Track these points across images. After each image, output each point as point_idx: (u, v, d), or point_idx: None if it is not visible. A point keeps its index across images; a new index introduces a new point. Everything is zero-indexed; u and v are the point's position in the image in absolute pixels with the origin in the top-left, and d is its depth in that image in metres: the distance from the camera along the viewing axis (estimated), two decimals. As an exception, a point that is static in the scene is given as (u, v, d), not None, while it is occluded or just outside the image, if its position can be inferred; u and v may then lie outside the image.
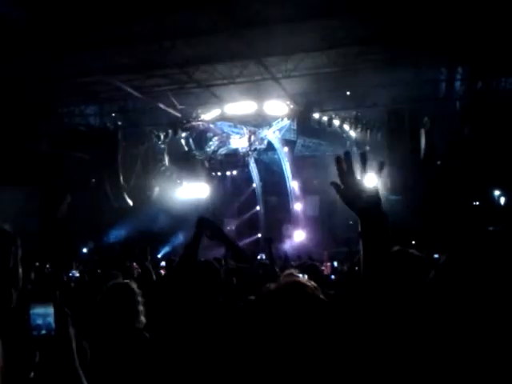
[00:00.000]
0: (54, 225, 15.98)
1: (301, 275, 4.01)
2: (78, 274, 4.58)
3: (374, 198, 1.67)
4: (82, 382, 1.49)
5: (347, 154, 1.74)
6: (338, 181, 1.71)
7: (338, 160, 1.74)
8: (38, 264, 7.05)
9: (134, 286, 2.86)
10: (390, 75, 13.02)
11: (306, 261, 7.31)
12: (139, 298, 2.81)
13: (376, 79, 13.14)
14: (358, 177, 1.69)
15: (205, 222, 3.26)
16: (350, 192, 1.67)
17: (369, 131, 15.04)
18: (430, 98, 14.22)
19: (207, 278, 3.34)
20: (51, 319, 1.53)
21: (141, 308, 2.82)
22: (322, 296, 1.51)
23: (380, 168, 1.77)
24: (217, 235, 3.41)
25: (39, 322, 1.52)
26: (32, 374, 1.38)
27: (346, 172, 1.69)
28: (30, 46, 10.63)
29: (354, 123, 14.97)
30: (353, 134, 15.60)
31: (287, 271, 3.91)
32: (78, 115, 16.45)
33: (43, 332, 1.51)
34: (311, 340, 1.40)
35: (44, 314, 1.53)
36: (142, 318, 2.81)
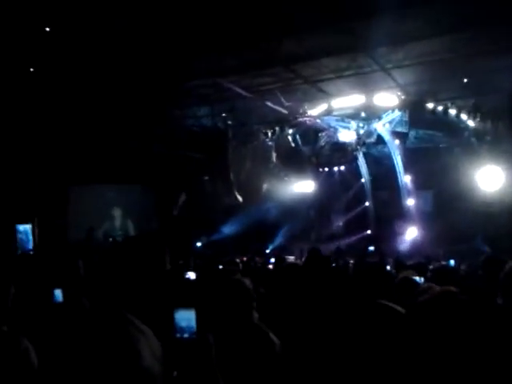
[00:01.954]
0: (171, 222, 17.03)
1: (417, 277, 3.85)
2: (193, 277, 4.80)
3: None
4: None
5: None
6: None
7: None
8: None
9: (248, 281, 2.95)
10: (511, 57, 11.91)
11: (422, 261, 6.99)
12: (252, 294, 2.89)
13: (496, 63, 12.10)
14: None
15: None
16: None
17: (489, 120, 13.93)
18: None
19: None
20: (194, 324, 1.64)
21: (254, 304, 2.89)
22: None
23: None
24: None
25: (183, 325, 1.64)
26: (175, 373, 1.48)
27: None
28: (144, 53, 11.42)
29: (473, 112, 13.94)
30: (471, 123, 14.56)
31: (403, 273, 3.77)
32: (191, 117, 17.29)
33: (186, 335, 1.63)
34: (474, 348, 1.35)
35: (187, 319, 1.65)
36: (255, 314, 2.89)
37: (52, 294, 3.79)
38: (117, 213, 18.35)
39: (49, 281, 4.02)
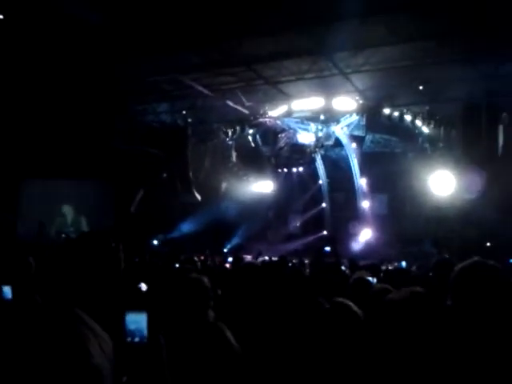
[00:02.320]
0: (128, 219, 16.72)
1: (370, 278, 3.95)
2: (144, 288, 4.70)
3: None
4: None
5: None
6: None
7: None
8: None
9: (206, 280, 2.94)
10: (467, 69, 12.40)
11: (378, 263, 7.17)
12: (210, 293, 2.88)
13: (451, 73, 12.57)
14: None
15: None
16: None
17: (442, 127, 14.43)
18: (510, 92, 13.37)
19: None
20: (145, 327, 1.59)
21: (210, 303, 2.88)
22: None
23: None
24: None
25: (133, 328, 1.59)
26: (125, 378, 1.45)
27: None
28: (107, 48, 11.19)
29: (427, 119, 14.40)
30: (425, 129, 15.04)
31: (357, 273, 3.86)
32: (151, 113, 17.05)
33: (136, 339, 1.58)
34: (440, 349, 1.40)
35: (137, 322, 1.60)
36: (211, 313, 2.88)
37: (0, 291, 3.64)
38: (69, 208, 17.86)
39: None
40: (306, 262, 9.37)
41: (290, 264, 7.09)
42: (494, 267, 1.89)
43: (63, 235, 14.63)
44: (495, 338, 1.55)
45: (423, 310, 1.44)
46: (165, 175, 17.59)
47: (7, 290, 3.73)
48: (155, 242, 17.39)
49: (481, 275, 1.80)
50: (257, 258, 10.44)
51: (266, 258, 12.53)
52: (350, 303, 1.90)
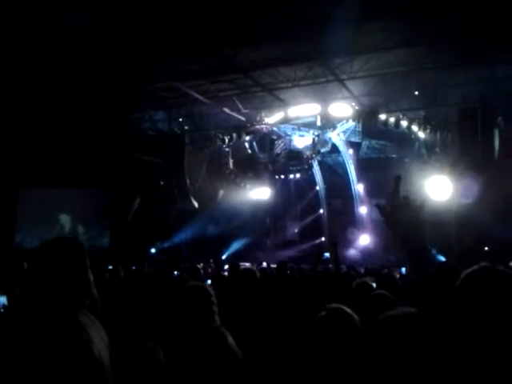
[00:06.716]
0: (125, 226, 16.64)
1: (374, 284, 3.94)
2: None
3: (416, 229, 1.70)
4: None
5: (397, 178, 1.80)
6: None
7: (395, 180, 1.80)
8: (111, 267, 7.30)
9: (209, 287, 2.94)
10: (462, 73, 12.49)
11: (379, 268, 7.16)
12: (214, 299, 2.87)
13: (446, 78, 12.66)
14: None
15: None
16: (393, 218, 1.75)
17: (439, 132, 14.48)
18: (505, 96, 13.45)
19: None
20: None
21: (215, 309, 2.88)
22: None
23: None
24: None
25: None
26: None
27: (393, 195, 1.76)
28: (104, 56, 11.22)
29: (423, 124, 14.46)
30: (421, 135, 15.10)
31: (361, 280, 3.84)
32: (147, 120, 17.07)
33: None
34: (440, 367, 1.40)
35: None
36: (217, 318, 2.87)
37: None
38: (66, 218, 17.79)
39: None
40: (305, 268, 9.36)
41: (289, 271, 7.08)
42: (504, 273, 1.83)
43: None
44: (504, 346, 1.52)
45: (417, 331, 1.44)
46: (162, 183, 17.55)
47: (3, 300, 3.70)
48: (153, 250, 17.32)
49: (490, 281, 1.73)
50: (256, 265, 10.39)
51: (265, 264, 12.49)
52: (346, 309, 1.89)
